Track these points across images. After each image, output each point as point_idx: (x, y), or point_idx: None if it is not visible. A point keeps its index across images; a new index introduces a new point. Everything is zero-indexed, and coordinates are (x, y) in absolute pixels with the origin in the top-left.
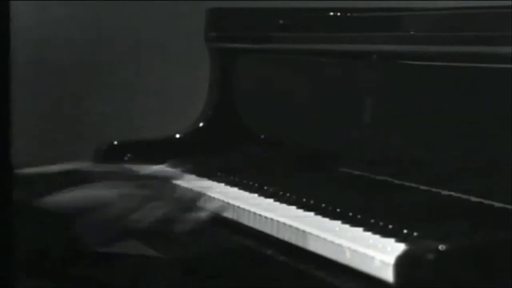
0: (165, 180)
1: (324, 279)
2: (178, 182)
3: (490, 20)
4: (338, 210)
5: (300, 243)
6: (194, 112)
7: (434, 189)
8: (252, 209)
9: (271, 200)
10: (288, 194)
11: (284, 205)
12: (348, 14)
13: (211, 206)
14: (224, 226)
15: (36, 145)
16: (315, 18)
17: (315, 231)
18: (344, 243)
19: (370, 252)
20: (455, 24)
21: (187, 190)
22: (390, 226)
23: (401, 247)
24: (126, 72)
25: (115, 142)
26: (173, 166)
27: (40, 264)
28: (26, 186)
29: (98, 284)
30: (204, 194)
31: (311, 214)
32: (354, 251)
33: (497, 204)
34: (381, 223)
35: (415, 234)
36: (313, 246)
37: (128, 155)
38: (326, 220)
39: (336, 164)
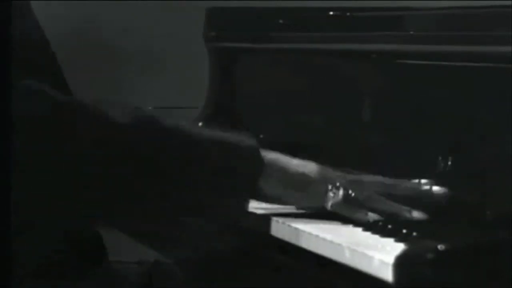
0: None
1: (323, 278)
2: None
3: (490, 19)
4: None
5: (299, 242)
6: (194, 111)
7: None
8: (251, 209)
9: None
10: None
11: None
12: (348, 14)
13: None
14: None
15: None
16: (315, 18)
17: (314, 231)
18: (344, 242)
19: (369, 251)
20: (455, 23)
21: None
22: (390, 226)
23: (400, 247)
24: (125, 72)
25: None
26: None
27: (44, 269)
28: None
29: None
30: None
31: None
32: (354, 250)
33: (497, 204)
34: (380, 223)
35: (414, 234)
36: (312, 246)
37: None
38: (325, 219)
39: (335, 164)
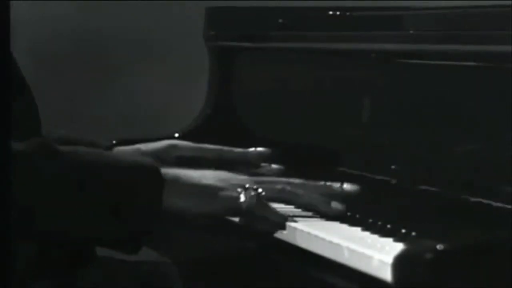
0: None
1: (322, 278)
2: None
3: (490, 19)
4: None
5: (298, 242)
6: (193, 111)
7: (433, 189)
8: None
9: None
10: None
11: (282, 205)
12: (348, 13)
13: None
14: (221, 226)
15: None
16: (314, 17)
17: (313, 231)
18: (342, 242)
19: (368, 251)
20: (455, 23)
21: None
22: (389, 226)
23: (399, 247)
24: (125, 72)
25: (114, 142)
26: None
27: (46, 267)
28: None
29: None
30: None
31: (309, 213)
32: (353, 250)
33: (496, 204)
34: (379, 223)
35: (413, 233)
36: (311, 246)
37: None
38: (324, 219)
39: (335, 164)
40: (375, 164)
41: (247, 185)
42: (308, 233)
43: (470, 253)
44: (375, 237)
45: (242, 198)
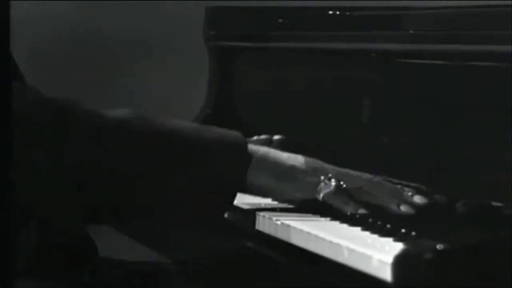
0: None
1: (322, 278)
2: None
3: (490, 19)
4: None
5: (297, 242)
6: (193, 111)
7: (433, 189)
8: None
9: (269, 200)
10: None
11: (282, 205)
12: (348, 13)
13: None
14: (221, 226)
15: None
16: (314, 17)
17: (313, 230)
18: (342, 242)
19: (368, 251)
20: (455, 23)
21: None
22: (388, 226)
23: (399, 247)
24: (125, 72)
25: None
26: None
27: (46, 267)
28: None
29: None
30: None
31: (309, 213)
32: (352, 250)
33: (497, 204)
34: (379, 223)
35: (413, 233)
36: (311, 246)
37: None
38: (324, 219)
39: (335, 164)
40: (375, 164)
41: (329, 175)
42: (308, 233)
43: (470, 253)
44: (375, 237)
45: (322, 186)
